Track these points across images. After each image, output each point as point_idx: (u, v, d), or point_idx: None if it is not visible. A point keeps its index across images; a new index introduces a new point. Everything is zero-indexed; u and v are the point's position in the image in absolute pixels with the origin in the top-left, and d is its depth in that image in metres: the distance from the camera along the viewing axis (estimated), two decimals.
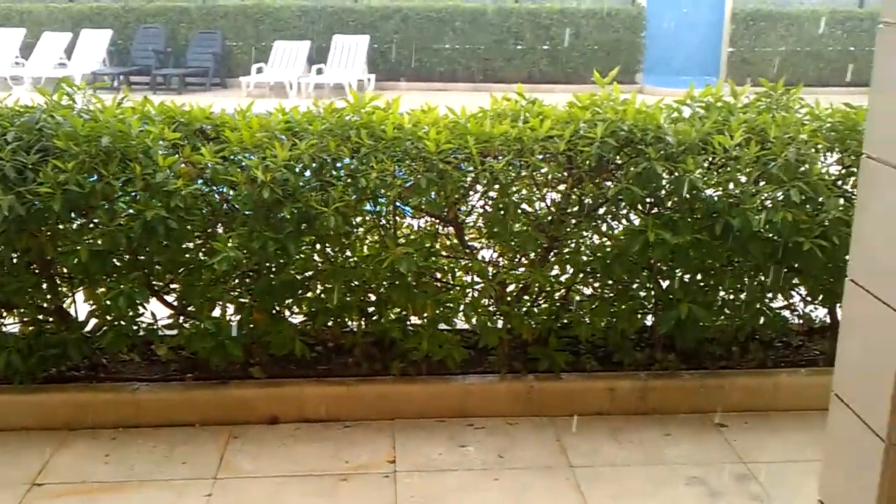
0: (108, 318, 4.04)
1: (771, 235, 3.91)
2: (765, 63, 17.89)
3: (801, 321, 4.48)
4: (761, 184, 3.89)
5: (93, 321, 4.09)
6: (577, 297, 4.26)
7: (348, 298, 4.05)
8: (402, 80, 18.29)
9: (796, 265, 4.05)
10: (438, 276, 4.19)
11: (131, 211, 3.78)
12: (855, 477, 2.44)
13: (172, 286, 4.15)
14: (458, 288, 4.17)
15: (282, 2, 18.86)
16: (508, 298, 4.16)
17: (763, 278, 4.14)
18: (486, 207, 4.07)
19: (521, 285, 4.16)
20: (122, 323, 4.03)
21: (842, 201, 3.93)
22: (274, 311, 4.07)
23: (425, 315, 4.07)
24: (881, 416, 2.32)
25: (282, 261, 3.94)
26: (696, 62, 18.54)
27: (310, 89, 17.41)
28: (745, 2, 19.12)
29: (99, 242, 3.79)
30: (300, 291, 4.10)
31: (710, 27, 18.54)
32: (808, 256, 3.83)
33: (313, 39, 18.26)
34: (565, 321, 4.24)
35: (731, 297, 4.20)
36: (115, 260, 3.94)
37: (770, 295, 4.25)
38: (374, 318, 4.18)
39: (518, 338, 4.18)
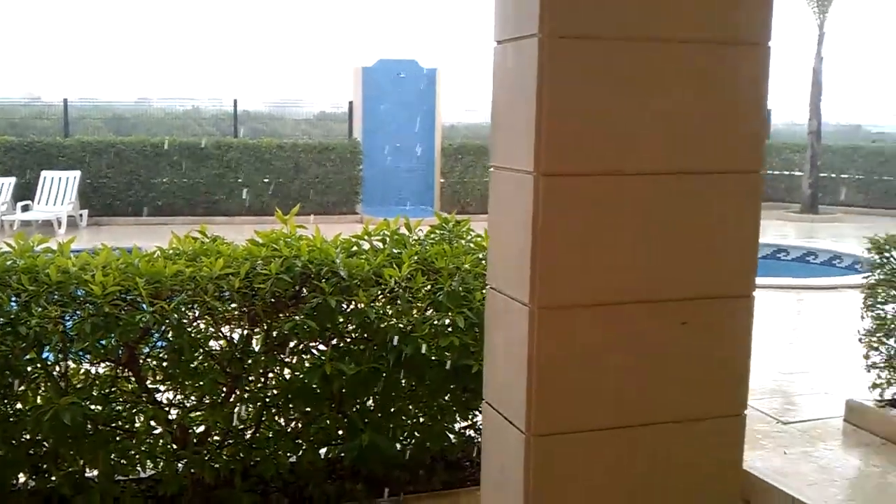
0: None
1: (444, 360, 4.10)
2: (475, 192, 19.07)
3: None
4: (432, 311, 4.10)
5: None
6: (270, 434, 4.21)
7: (13, 454, 3.76)
8: (119, 214, 17.68)
9: (473, 387, 4.26)
10: (120, 423, 3.99)
11: None
12: None
13: None
14: (136, 434, 3.99)
15: None
16: (195, 441, 4.03)
17: (442, 401, 4.32)
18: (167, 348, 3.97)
19: (204, 427, 4.05)
20: None
21: None
22: None
23: (98, 467, 3.85)
24: None
25: None
26: (411, 193, 19.40)
27: (15, 227, 16.35)
28: (453, 137, 20.45)
29: None
30: None
31: (422, 160, 19.52)
32: (479, 378, 4.04)
33: (19, 176, 17.29)
34: (257, 459, 4.16)
35: (415, 421, 4.33)
36: None
37: (453, 416, 4.43)
38: (45, 473, 3.90)
39: (202, 482, 4.04)
